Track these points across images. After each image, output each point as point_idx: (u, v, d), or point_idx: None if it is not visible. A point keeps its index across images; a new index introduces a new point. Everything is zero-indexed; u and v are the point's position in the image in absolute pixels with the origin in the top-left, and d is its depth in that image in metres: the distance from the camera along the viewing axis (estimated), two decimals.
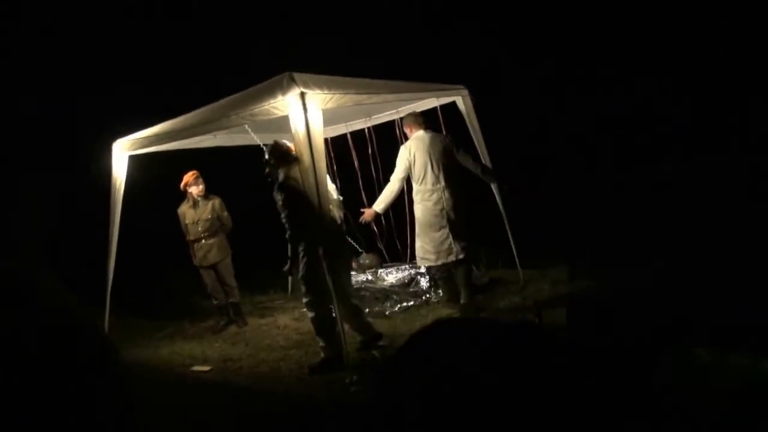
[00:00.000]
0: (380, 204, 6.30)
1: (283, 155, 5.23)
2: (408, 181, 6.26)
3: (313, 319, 5.17)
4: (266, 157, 5.35)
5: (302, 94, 4.74)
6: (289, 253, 5.15)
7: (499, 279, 7.12)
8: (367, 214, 6.41)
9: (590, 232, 7.82)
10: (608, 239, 7.42)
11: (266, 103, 5.05)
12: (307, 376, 5.03)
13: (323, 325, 5.12)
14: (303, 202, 4.90)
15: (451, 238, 5.98)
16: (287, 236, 5.13)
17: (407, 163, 6.09)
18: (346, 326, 5.03)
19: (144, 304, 8.32)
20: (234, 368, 5.62)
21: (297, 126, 4.75)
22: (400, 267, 7.09)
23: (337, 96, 5.10)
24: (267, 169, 5.33)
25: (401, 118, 6.78)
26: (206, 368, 5.74)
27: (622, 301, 5.41)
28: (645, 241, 7.03)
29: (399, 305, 6.62)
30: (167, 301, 8.82)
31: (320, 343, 5.17)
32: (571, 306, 5.69)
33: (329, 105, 5.02)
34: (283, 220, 5.08)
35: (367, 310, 6.56)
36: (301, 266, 5.11)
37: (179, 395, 5.06)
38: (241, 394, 4.91)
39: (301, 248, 5.08)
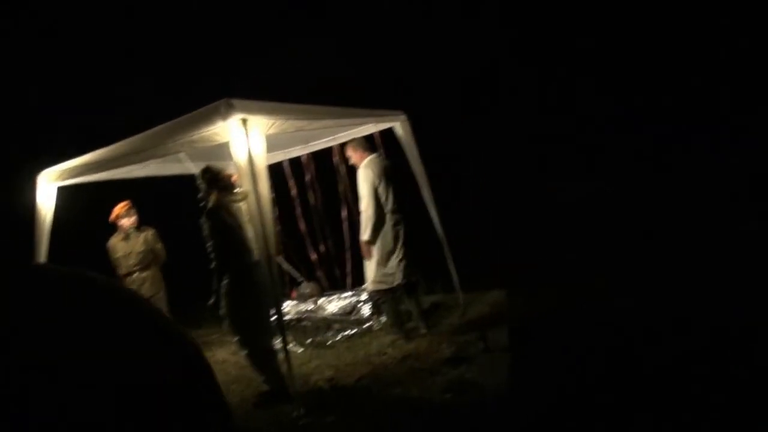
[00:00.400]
0: (369, 233, 6.05)
1: (213, 179, 5.04)
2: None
3: (248, 356, 4.90)
4: (198, 181, 5.16)
5: (244, 121, 4.65)
6: (213, 286, 4.92)
7: (439, 303, 7.13)
8: (365, 251, 6.12)
9: (524, 251, 8.04)
10: (543, 257, 7.63)
11: (205, 130, 4.90)
12: (253, 409, 4.86)
13: (260, 360, 4.87)
14: (231, 232, 4.81)
15: (405, 261, 6.00)
16: (212, 267, 4.90)
17: (374, 187, 6.03)
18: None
19: None
20: None
21: (238, 153, 4.64)
22: (341, 295, 7.00)
23: (279, 122, 5.03)
24: (200, 194, 5.11)
25: (341, 144, 6.71)
26: None
27: (561, 323, 5.56)
28: (579, 258, 7.28)
29: (341, 334, 6.52)
30: None
31: (261, 378, 4.95)
32: (513, 329, 5.75)
33: (271, 131, 4.94)
34: (209, 250, 4.87)
35: (310, 340, 6.46)
36: (223, 302, 4.84)
37: None
38: None
39: (224, 281, 4.84)
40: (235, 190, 5.08)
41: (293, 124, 5.26)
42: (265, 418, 4.63)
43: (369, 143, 6.38)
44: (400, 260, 6.02)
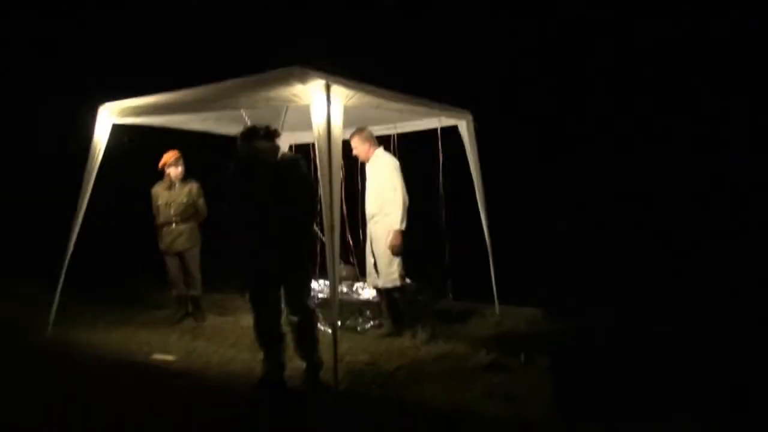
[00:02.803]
0: (403, 222, 5.91)
1: (246, 133, 4.60)
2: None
3: (253, 327, 4.66)
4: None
5: (328, 86, 4.53)
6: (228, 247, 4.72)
7: (473, 311, 6.97)
8: (398, 242, 5.89)
9: (565, 272, 7.88)
10: (583, 279, 7.48)
11: (283, 90, 4.80)
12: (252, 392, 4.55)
13: (258, 336, 4.62)
14: (246, 189, 4.44)
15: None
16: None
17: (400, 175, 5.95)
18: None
19: (94, 285, 7.81)
20: (201, 362, 5.25)
21: (318, 119, 4.53)
22: None
23: (360, 95, 4.91)
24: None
25: (354, 133, 6.39)
26: (170, 358, 5.35)
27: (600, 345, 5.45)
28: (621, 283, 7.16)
29: (371, 322, 6.36)
30: (117, 284, 8.31)
31: (260, 357, 4.70)
32: (553, 348, 5.60)
33: (350, 102, 4.81)
34: (221, 209, 4.61)
35: (339, 323, 6.30)
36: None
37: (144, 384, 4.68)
38: (217, 391, 4.56)
39: (243, 248, 4.59)
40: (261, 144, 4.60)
41: (372, 100, 5.14)
42: (300, 393, 4.48)
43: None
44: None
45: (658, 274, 7.81)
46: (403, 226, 5.88)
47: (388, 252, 5.91)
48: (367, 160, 6.11)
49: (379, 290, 6.17)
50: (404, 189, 5.92)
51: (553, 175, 10.07)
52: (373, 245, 6.08)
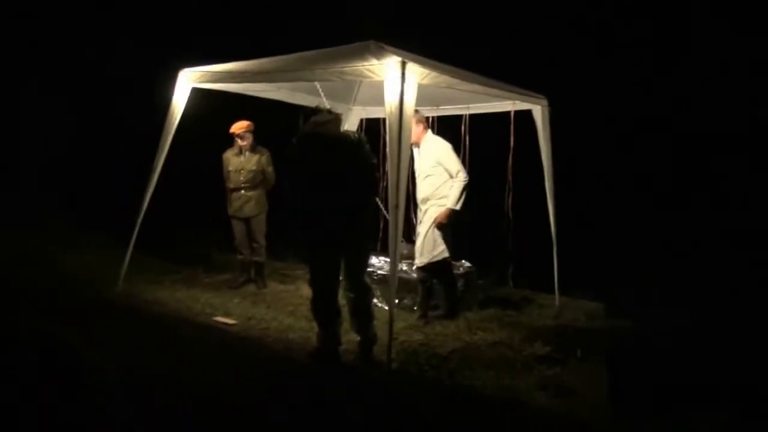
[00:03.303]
0: (459, 203, 5.86)
1: (308, 114, 4.69)
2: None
3: (310, 300, 4.74)
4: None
5: (403, 63, 4.51)
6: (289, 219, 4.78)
7: (531, 300, 6.88)
8: (445, 215, 5.86)
9: (630, 269, 7.66)
10: (648, 278, 7.26)
11: (359, 64, 4.81)
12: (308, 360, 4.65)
13: (317, 309, 4.67)
14: (300, 167, 4.53)
15: None
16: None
17: None
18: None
19: (164, 244, 8.08)
20: (260, 328, 5.39)
21: (390, 96, 4.52)
22: None
23: (435, 74, 4.87)
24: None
25: (427, 117, 6.32)
26: (231, 321, 5.50)
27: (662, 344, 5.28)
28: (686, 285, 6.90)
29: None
30: (185, 245, 8.58)
31: (316, 329, 4.76)
32: (611, 344, 5.47)
33: (425, 81, 4.77)
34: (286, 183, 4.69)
35: (397, 301, 6.33)
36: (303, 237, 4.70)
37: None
38: (274, 357, 4.68)
39: (303, 221, 4.63)
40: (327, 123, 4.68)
41: (446, 80, 5.08)
42: (354, 368, 4.54)
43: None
44: None
45: (737, 278, 7.45)
46: (458, 207, 5.83)
47: (436, 232, 5.89)
48: (418, 144, 5.97)
49: (424, 274, 6.13)
50: (464, 170, 5.88)
51: (628, 166, 9.72)
52: (421, 228, 6.06)
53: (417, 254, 6.06)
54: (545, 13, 11.22)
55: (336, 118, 4.74)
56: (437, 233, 5.90)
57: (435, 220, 5.85)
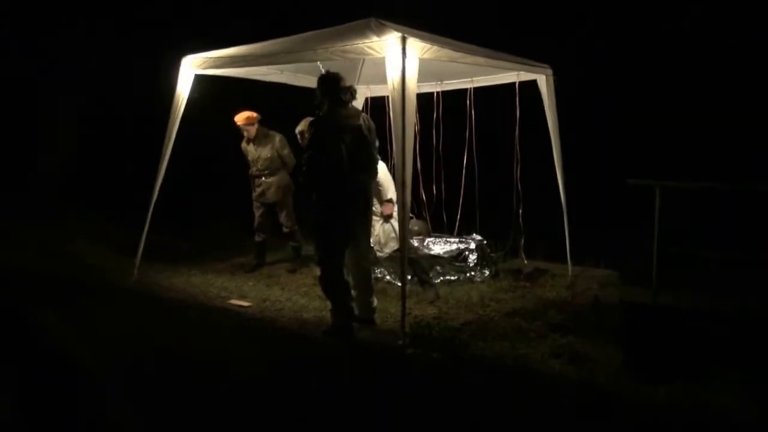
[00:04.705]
0: None
1: (330, 88, 4.74)
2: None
3: (320, 278, 4.81)
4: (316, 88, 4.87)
5: (404, 39, 4.49)
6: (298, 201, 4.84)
7: (544, 270, 6.88)
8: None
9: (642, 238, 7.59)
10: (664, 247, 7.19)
11: (360, 42, 4.80)
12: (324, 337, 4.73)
13: (331, 287, 4.75)
14: (328, 146, 4.54)
15: None
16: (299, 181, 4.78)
17: None
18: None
19: (179, 227, 8.17)
20: (275, 309, 5.45)
21: (392, 72, 4.52)
22: (448, 239, 6.83)
23: (435, 48, 4.84)
24: (315, 101, 4.86)
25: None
26: (246, 303, 5.57)
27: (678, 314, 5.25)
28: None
29: (441, 277, 6.41)
30: (199, 227, 8.66)
31: (329, 306, 4.87)
32: (627, 311, 5.46)
33: (426, 56, 4.75)
34: (303, 161, 4.66)
35: (409, 276, 6.37)
36: (312, 216, 4.75)
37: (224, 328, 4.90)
38: (288, 337, 4.74)
39: (315, 197, 4.70)
40: (348, 105, 4.80)
41: (448, 53, 5.05)
42: (370, 342, 4.59)
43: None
44: None
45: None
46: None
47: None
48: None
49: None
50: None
51: (635, 135, 9.59)
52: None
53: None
54: None
55: (357, 114, 4.87)
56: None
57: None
